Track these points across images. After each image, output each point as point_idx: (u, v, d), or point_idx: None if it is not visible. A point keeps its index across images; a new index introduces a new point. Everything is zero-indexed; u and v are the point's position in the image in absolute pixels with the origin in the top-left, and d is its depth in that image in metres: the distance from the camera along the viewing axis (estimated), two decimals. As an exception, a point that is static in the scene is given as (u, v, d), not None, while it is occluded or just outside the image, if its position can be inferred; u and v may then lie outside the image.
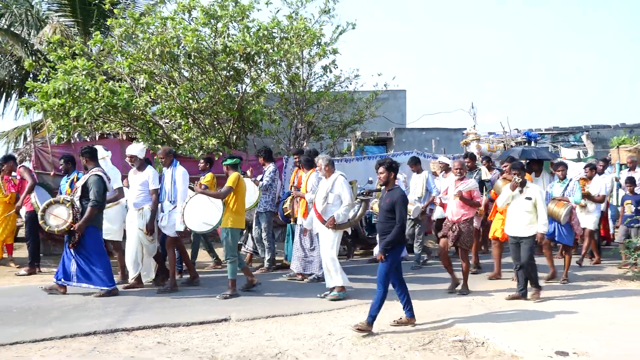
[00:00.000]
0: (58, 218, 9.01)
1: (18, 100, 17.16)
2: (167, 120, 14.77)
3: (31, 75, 15.54)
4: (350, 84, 15.98)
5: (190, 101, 14.10)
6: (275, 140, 15.68)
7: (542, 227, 8.94)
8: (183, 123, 14.60)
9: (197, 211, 9.44)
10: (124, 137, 14.67)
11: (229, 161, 9.93)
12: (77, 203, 9.03)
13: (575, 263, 11.68)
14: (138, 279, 9.84)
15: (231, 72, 14.34)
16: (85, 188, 9.04)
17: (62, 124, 13.47)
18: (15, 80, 19.60)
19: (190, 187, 9.74)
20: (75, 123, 13.66)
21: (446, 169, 11.82)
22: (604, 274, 11.45)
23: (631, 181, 12.20)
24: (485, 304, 8.93)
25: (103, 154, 10.12)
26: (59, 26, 17.17)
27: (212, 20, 14.03)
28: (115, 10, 14.59)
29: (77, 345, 6.73)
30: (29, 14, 19.04)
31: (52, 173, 12.55)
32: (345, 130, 16.42)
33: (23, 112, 15.45)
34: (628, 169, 14.11)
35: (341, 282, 9.16)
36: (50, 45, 14.58)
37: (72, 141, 13.78)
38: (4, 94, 20.09)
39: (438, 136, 19.27)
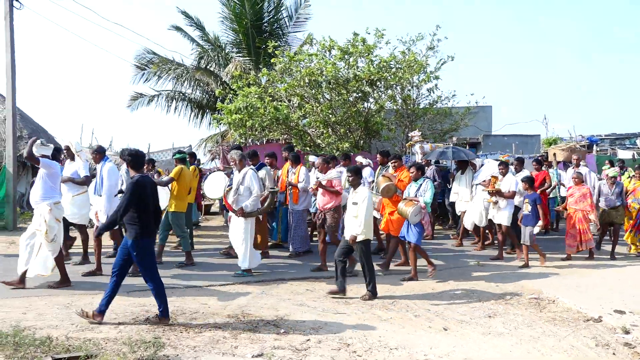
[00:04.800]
0: None
1: (211, 117, 18.20)
2: (313, 130, 15.03)
3: (219, 99, 16.33)
4: (449, 101, 15.59)
5: (330, 115, 14.27)
6: (392, 144, 15.53)
7: (356, 228, 6.58)
8: (325, 131, 14.78)
9: None
10: (283, 142, 15.07)
11: (177, 155, 8.98)
12: None
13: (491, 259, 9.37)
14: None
15: (359, 94, 14.54)
16: None
17: (241, 132, 14.23)
18: (208, 103, 20.66)
19: None
20: (249, 132, 14.26)
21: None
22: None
23: (528, 180, 9.06)
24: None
25: (79, 149, 8.19)
26: (239, 64, 17.88)
27: (345, 56, 14.22)
28: (276, 52, 15.07)
29: (251, 288, 7.07)
30: (219, 55, 20.02)
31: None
32: (445, 137, 16.03)
33: (214, 125, 16.32)
34: (572, 166, 12.27)
35: (247, 265, 7.74)
36: (233, 78, 15.34)
37: (247, 145, 14.38)
38: (201, 112, 21.21)
39: (517, 141, 18.09)
